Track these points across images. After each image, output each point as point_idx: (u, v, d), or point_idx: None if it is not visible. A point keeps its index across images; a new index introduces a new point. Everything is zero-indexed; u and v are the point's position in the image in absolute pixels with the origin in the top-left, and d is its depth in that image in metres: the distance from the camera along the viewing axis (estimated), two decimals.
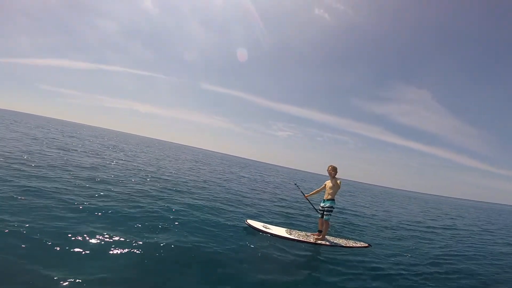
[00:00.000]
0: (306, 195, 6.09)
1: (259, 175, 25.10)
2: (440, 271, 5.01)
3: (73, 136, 24.34)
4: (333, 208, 5.64)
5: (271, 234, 5.26)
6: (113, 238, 3.67)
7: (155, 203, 6.04)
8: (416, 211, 18.70)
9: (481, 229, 12.85)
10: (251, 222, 5.54)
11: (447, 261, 5.77)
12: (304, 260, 4.46)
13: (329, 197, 5.63)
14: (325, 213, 5.59)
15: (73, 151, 12.80)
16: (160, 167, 13.62)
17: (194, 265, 3.47)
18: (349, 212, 10.75)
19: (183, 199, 6.97)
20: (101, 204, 5.11)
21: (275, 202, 9.92)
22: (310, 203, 6.46)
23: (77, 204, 4.84)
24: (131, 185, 7.57)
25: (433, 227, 10.79)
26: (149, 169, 11.79)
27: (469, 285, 4.50)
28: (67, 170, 7.73)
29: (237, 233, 5.01)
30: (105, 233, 3.74)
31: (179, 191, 8.02)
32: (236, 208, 7.35)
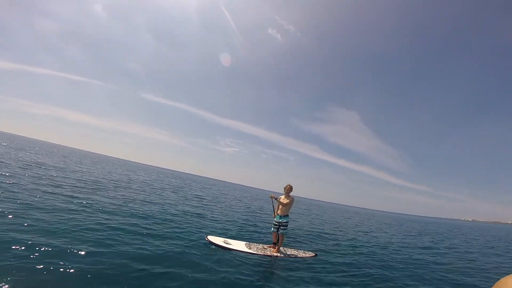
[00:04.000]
0: (274, 214, 6.24)
1: (208, 191, 24.43)
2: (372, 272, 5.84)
3: None
4: (288, 223, 6.04)
5: (232, 249, 5.29)
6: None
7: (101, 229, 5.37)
8: (343, 221, 21.01)
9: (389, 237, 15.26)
10: (211, 238, 5.48)
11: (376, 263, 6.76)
12: (263, 273, 4.59)
13: (285, 213, 6.01)
14: (281, 227, 5.93)
15: None
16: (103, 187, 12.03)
17: (151, 284, 3.26)
18: (292, 224, 11.45)
19: (135, 220, 6.37)
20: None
21: (228, 216, 9.89)
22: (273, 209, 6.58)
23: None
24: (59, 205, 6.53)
25: (366, 237, 12.35)
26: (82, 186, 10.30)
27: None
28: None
29: (198, 249, 4.88)
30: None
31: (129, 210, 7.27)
32: (194, 224, 7.17)
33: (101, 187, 10.90)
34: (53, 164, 17.04)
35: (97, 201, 7.60)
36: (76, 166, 20.56)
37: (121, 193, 10.34)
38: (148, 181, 20.86)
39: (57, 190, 8.04)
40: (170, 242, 5.03)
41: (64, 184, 9.63)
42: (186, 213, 8.87)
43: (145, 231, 5.48)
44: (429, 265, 7.38)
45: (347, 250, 7.90)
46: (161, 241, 4.99)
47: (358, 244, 9.36)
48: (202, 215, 9.18)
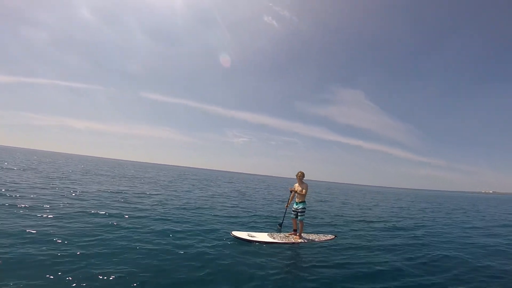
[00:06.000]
0: (286, 205, 6.46)
1: (225, 185, 24.97)
2: (386, 247, 6.01)
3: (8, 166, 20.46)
4: (305, 209, 6.24)
5: (257, 242, 5.52)
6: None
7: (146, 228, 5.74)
8: (363, 202, 21.10)
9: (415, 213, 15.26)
10: (236, 233, 5.68)
11: (391, 239, 6.92)
12: (287, 261, 4.78)
13: (301, 199, 6.22)
14: (299, 214, 6.13)
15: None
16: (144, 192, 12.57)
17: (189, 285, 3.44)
18: (310, 208, 11.69)
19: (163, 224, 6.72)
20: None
21: (247, 208, 10.21)
22: (285, 212, 6.69)
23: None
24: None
25: (383, 218, 12.47)
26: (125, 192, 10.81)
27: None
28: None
29: (226, 246, 5.07)
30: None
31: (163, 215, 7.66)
32: (219, 222, 7.33)
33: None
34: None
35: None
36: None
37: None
38: (180, 182, 21.46)
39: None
40: (204, 242, 5.23)
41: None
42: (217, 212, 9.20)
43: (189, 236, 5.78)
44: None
45: (365, 229, 8.09)
46: (186, 238, 5.28)
47: (375, 223, 9.51)
48: (233, 211, 9.51)
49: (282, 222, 6.67)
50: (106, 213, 6.87)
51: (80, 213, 6.58)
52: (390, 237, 7.28)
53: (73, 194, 9.45)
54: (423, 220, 11.66)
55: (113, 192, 11.09)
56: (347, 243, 6.09)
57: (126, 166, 62.25)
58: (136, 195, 11.12)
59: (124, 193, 11.28)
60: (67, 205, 7.46)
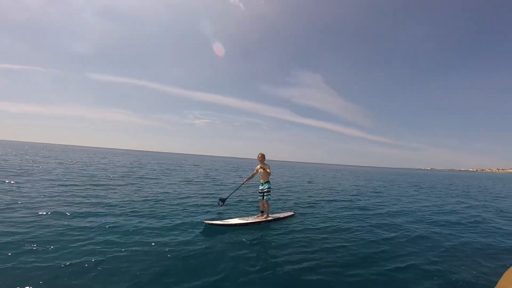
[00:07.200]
0: (245, 179, 6.83)
1: (191, 170, 24.46)
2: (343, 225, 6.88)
3: None
4: (270, 189, 6.67)
5: (231, 225, 5.76)
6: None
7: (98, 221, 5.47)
8: (323, 180, 22.81)
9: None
10: (209, 221, 5.73)
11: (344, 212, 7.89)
12: (256, 241, 5.12)
13: (265, 180, 6.60)
14: (265, 194, 6.53)
15: None
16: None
17: (163, 277, 3.42)
18: (275, 188, 12.36)
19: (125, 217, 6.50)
20: None
21: (217, 194, 10.33)
22: (239, 186, 7.47)
23: None
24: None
25: (338, 191, 13.78)
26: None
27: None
28: None
29: (199, 236, 5.04)
30: None
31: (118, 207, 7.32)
32: (191, 212, 7.01)
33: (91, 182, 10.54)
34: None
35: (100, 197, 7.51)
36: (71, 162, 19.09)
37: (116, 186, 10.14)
38: (132, 167, 20.28)
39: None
40: (171, 232, 5.15)
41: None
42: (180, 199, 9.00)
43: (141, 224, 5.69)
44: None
45: (324, 207, 8.98)
46: (163, 232, 5.23)
47: (333, 198, 10.55)
48: (195, 198, 9.50)
49: (227, 198, 7.07)
50: (51, 212, 6.27)
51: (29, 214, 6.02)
52: (348, 214, 8.12)
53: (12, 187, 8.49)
54: (375, 196, 13.27)
55: (63, 185, 9.87)
56: (304, 219, 6.85)
57: (74, 152, 56.57)
58: (94, 185, 10.35)
59: (74, 185, 10.30)
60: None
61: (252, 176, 6.81)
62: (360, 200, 11.07)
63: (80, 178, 12.05)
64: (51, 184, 9.72)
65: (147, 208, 6.93)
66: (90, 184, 10.28)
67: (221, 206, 7.12)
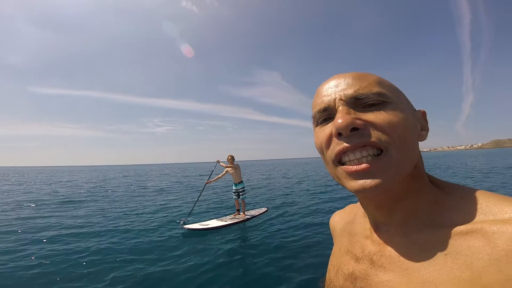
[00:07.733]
0: (207, 181, 7.02)
1: (143, 181, 23.66)
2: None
3: None
4: (245, 188, 7.06)
5: (208, 229, 5.90)
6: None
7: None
8: (293, 174, 23.80)
9: None
10: (188, 226, 5.88)
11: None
12: (235, 240, 5.35)
13: (239, 180, 6.97)
14: (240, 194, 6.90)
15: None
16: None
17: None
18: (247, 187, 12.79)
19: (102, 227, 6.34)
20: None
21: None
22: (201, 190, 7.32)
23: None
24: None
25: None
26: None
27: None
28: None
29: (181, 241, 5.16)
30: None
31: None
32: (161, 218, 7.25)
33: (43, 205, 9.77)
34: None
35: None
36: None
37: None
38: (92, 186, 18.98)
39: None
40: (147, 239, 5.27)
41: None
42: (149, 208, 9.00)
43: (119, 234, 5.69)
44: None
45: (296, 201, 9.64)
46: (138, 239, 5.29)
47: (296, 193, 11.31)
48: (167, 206, 9.49)
49: (191, 211, 6.84)
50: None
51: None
52: (316, 203, 8.95)
53: None
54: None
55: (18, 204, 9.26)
56: (276, 214, 7.24)
57: (27, 173, 50.72)
58: (60, 203, 9.74)
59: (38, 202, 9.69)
60: None
61: (218, 178, 7.02)
62: (328, 188, 12.03)
63: None
64: None
65: (122, 225, 6.84)
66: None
67: (186, 223, 6.14)
